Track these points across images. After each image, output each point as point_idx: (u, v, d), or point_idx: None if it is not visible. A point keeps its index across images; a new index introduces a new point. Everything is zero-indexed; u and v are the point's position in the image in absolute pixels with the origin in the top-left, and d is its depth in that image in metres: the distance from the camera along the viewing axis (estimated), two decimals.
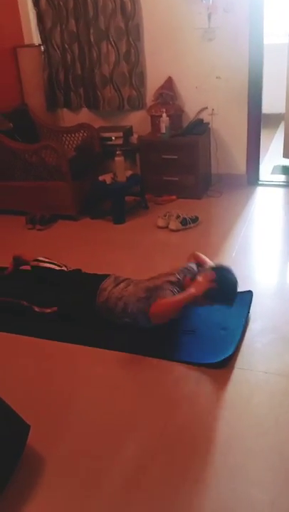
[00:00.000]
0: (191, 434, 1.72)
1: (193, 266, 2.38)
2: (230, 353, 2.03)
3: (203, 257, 2.46)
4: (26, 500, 1.51)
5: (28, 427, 1.65)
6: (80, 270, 2.61)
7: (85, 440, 1.73)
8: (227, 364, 2.01)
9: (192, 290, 2.08)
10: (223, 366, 2.01)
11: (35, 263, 2.62)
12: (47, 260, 2.63)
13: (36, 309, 2.39)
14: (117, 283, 2.31)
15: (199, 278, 2.13)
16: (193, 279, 2.19)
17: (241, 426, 1.74)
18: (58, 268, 2.58)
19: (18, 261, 2.75)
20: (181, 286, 2.17)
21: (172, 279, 2.19)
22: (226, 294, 2.15)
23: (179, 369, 2.03)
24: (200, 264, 2.41)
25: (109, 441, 1.72)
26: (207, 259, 2.44)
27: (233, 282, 2.18)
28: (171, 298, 2.06)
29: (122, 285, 2.29)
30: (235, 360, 2.04)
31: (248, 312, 2.33)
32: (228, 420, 1.78)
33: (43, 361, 2.17)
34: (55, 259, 2.70)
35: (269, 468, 1.58)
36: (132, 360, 2.11)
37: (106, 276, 2.39)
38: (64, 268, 2.59)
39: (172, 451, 1.66)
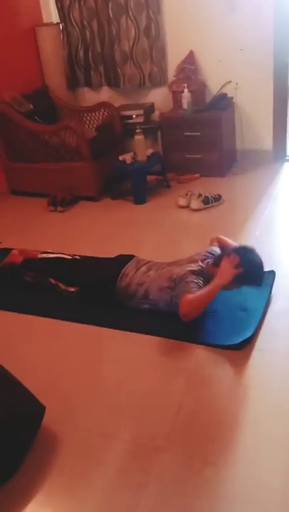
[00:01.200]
0: (208, 417, 1.70)
1: (216, 249, 2.30)
2: (248, 335, 1.98)
3: (226, 239, 2.36)
4: (41, 478, 1.54)
5: (44, 408, 1.67)
6: (92, 257, 2.57)
7: (99, 421, 1.74)
8: (246, 346, 1.97)
9: (218, 280, 1.98)
10: (242, 348, 1.96)
11: (44, 255, 2.59)
12: (54, 252, 2.60)
13: (62, 287, 2.40)
14: (138, 267, 2.28)
15: (223, 265, 2.01)
16: (216, 263, 2.09)
17: (259, 409, 1.71)
18: (69, 257, 2.54)
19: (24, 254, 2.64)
20: (205, 274, 2.09)
21: (194, 267, 2.11)
22: (253, 276, 2.07)
23: (198, 351, 2.00)
24: (224, 247, 2.32)
25: (124, 421, 1.72)
26: (230, 242, 2.34)
27: (259, 263, 2.10)
28: (199, 294, 1.96)
29: (143, 269, 2.26)
30: (255, 341, 2.00)
31: (270, 293, 2.27)
32: (246, 403, 1.75)
33: (61, 343, 2.18)
34: (75, 241, 2.68)
35: (284, 451, 1.54)
36: (151, 341, 2.09)
37: (128, 258, 2.36)
38: (77, 257, 2.56)
39: (187, 433, 1.64)
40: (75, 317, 2.29)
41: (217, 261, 2.09)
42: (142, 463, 1.55)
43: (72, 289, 2.39)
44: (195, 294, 1.96)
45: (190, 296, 1.95)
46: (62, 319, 2.30)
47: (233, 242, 2.34)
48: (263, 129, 3.95)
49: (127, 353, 2.05)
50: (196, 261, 2.18)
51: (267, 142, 3.99)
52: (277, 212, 3.23)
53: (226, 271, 1.99)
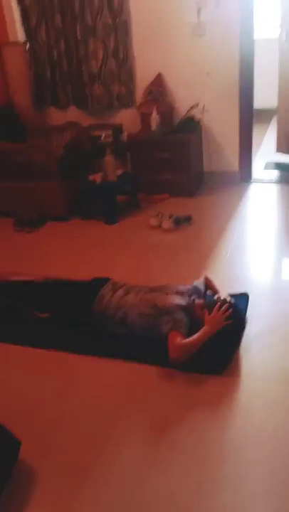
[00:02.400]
0: (189, 445, 1.66)
1: (201, 287, 2.30)
2: (228, 359, 1.96)
3: (213, 283, 2.38)
4: None
5: (19, 443, 1.58)
6: (64, 280, 2.50)
7: (77, 452, 1.66)
8: (225, 371, 1.95)
9: (210, 330, 1.99)
10: (221, 373, 1.94)
11: (15, 277, 2.49)
12: (26, 274, 2.52)
13: (33, 312, 2.31)
14: (115, 290, 2.23)
15: (217, 315, 2.02)
16: (207, 307, 2.07)
17: (241, 435, 1.68)
18: (41, 280, 2.46)
19: None
20: (191, 311, 2.09)
21: (183, 303, 2.09)
22: (237, 330, 2.13)
23: (178, 376, 1.96)
24: (209, 288, 2.33)
25: (103, 452, 1.65)
26: (216, 286, 2.37)
27: (245, 319, 2.19)
28: (190, 341, 1.95)
29: (120, 292, 2.21)
30: (233, 365, 1.98)
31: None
32: (227, 429, 1.72)
33: (33, 371, 2.09)
34: (43, 263, 2.60)
35: (271, 479, 1.51)
36: (129, 368, 2.03)
37: (103, 281, 2.31)
38: (48, 280, 2.47)
39: (169, 463, 1.59)
40: (48, 343, 2.20)
41: (208, 305, 2.08)
42: (123, 493, 1.49)
43: (44, 316, 2.30)
44: (187, 341, 1.95)
45: (181, 342, 1.94)
46: (35, 346, 2.21)
47: (216, 287, 2.36)
48: (229, 151, 4.03)
49: (103, 381, 1.99)
50: (181, 293, 2.16)
51: (233, 164, 4.07)
52: (246, 233, 3.28)
53: (219, 321, 2.01)
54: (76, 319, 2.25)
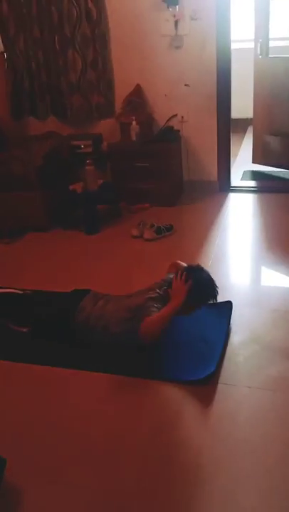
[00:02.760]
0: (176, 459, 1.65)
1: (172, 276, 2.31)
2: (212, 369, 1.97)
3: (182, 263, 2.38)
4: None
5: (4, 461, 1.54)
6: (44, 292, 2.48)
7: (63, 470, 1.63)
8: (210, 380, 1.95)
9: (174, 300, 2.01)
10: (206, 382, 1.94)
11: None
12: (3, 286, 2.48)
13: (12, 327, 2.27)
14: (95, 301, 2.22)
15: (174, 284, 2.06)
16: (170, 286, 2.11)
17: (228, 446, 1.68)
18: (20, 292, 2.43)
19: None
20: (165, 300, 2.08)
21: (152, 295, 2.11)
22: (206, 290, 2.11)
23: (162, 388, 1.95)
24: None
25: (89, 469, 1.62)
26: (185, 264, 2.36)
27: (208, 276, 2.16)
28: (157, 314, 1.97)
29: (100, 303, 2.20)
30: (218, 375, 1.99)
31: (229, 324, 2.29)
32: (214, 441, 1.71)
33: (15, 386, 2.05)
34: (23, 274, 2.54)
35: (259, 490, 1.52)
36: (111, 380, 2.01)
37: (84, 292, 2.29)
38: (27, 292, 2.45)
39: (157, 478, 1.58)
40: (29, 358, 2.17)
41: (171, 284, 2.10)
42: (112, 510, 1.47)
43: (24, 330, 2.27)
44: (153, 316, 1.96)
45: (148, 319, 1.95)
46: (15, 361, 2.16)
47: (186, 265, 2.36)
48: (208, 160, 4.09)
49: (86, 395, 1.96)
50: (153, 289, 2.17)
51: (212, 173, 4.12)
52: (227, 241, 3.32)
53: (178, 289, 2.02)
54: (57, 332, 2.22)
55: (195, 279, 2.07)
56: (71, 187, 3.56)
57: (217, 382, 1.95)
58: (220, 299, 2.40)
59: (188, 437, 1.73)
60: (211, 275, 2.19)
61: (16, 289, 2.45)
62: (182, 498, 1.51)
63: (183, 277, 2.05)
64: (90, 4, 3.75)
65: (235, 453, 1.65)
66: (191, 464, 1.62)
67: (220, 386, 1.94)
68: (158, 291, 2.15)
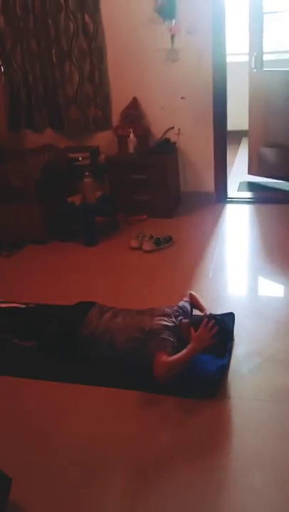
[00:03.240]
0: (185, 473, 1.64)
1: (187, 306, 2.31)
2: (218, 382, 1.97)
3: (199, 298, 2.39)
4: None
5: (10, 480, 1.52)
6: (47, 305, 2.46)
7: (71, 487, 1.61)
8: (216, 393, 1.96)
9: (196, 346, 1.96)
10: (211, 396, 1.94)
11: None
12: (5, 301, 2.46)
13: (16, 342, 2.26)
14: (102, 314, 2.21)
15: (203, 332, 1.99)
16: (193, 325, 2.05)
17: (237, 461, 1.68)
18: (23, 306, 2.41)
19: None
20: (178, 332, 2.07)
21: (169, 323, 2.08)
22: (222, 348, 2.11)
23: (169, 402, 1.95)
24: (194, 305, 2.35)
25: (99, 486, 1.61)
26: (201, 302, 2.37)
27: (231, 334, 2.18)
28: (175, 358, 1.93)
29: (107, 315, 2.19)
30: (224, 388, 1.99)
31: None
32: (222, 455, 1.71)
33: (19, 401, 2.03)
34: (23, 287, 2.51)
35: (269, 504, 1.52)
36: (120, 395, 2.00)
37: (90, 305, 2.29)
38: (31, 305, 2.43)
39: (165, 493, 1.57)
40: (34, 373, 2.15)
41: (195, 323, 2.06)
42: None
43: (28, 344, 2.25)
44: (171, 358, 1.92)
45: (166, 360, 1.91)
46: (20, 376, 2.15)
47: (202, 302, 2.36)
48: (205, 172, 4.12)
49: (94, 409, 1.95)
50: (168, 315, 2.15)
51: (209, 185, 4.15)
52: (226, 253, 3.34)
53: (205, 338, 1.97)
54: (62, 346, 2.21)
55: (220, 333, 2.03)
56: (69, 199, 3.56)
57: (223, 396, 1.95)
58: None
59: (196, 451, 1.72)
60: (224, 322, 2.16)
61: (18, 302, 2.43)
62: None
63: (213, 330, 1.99)
64: (86, 18, 3.79)
65: (245, 466, 1.64)
66: (199, 478, 1.61)
67: (226, 399, 1.94)
68: (174, 320, 2.13)
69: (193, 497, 1.55)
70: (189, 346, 1.97)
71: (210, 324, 2.00)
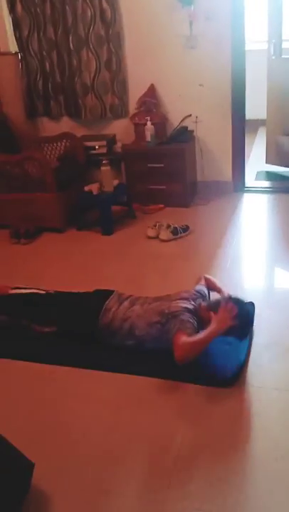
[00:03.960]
0: (208, 460, 1.65)
1: (204, 289, 2.30)
2: (237, 371, 1.96)
3: (214, 280, 2.38)
4: None
5: (32, 465, 1.54)
6: (68, 292, 2.47)
7: (91, 472, 1.63)
8: (235, 382, 1.95)
9: (217, 328, 1.94)
10: (231, 384, 1.94)
11: (16, 291, 2.45)
12: (27, 287, 2.48)
13: (36, 328, 2.27)
14: (120, 302, 2.22)
15: (222, 313, 1.98)
16: (212, 308, 2.05)
17: (259, 450, 1.68)
18: (43, 292, 2.42)
19: None
20: (198, 315, 2.07)
21: (189, 306, 2.08)
22: (243, 331, 2.09)
23: (189, 389, 1.95)
24: (211, 288, 2.33)
25: (117, 472, 1.62)
26: (218, 284, 2.36)
27: (251, 319, 2.15)
28: (196, 339, 1.92)
29: (126, 303, 2.20)
30: (244, 377, 1.98)
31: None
32: (244, 444, 1.71)
33: (41, 388, 2.05)
34: (41, 275, 2.51)
35: None
36: (139, 382, 2.01)
37: (108, 293, 2.29)
38: (50, 292, 2.44)
39: (189, 480, 1.57)
40: (55, 359, 2.17)
41: (213, 306, 2.05)
42: None
43: (48, 329, 2.27)
44: (192, 338, 1.91)
45: (186, 340, 1.90)
46: (40, 362, 2.17)
47: (219, 286, 2.35)
48: (222, 161, 4.07)
49: (114, 396, 1.96)
50: (187, 299, 2.14)
51: (226, 173, 4.11)
52: (244, 242, 3.31)
53: (225, 320, 1.96)
54: (81, 333, 2.22)
55: (241, 316, 2.02)
56: (86, 188, 3.56)
57: (243, 384, 1.95)
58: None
59: (216, 440, 1.72)
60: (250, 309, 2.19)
61: (38, 288, 2.45)
62: (213, 504, 1.50)
63: (232, 310, 1.98)
64: (104, 4, 3.75)
65: (268, 456, 1.64)
66: (220, 468, 1.62)
67: (246, 388, 1.93)
68: (193, 303, 2.12)
69: (215, 488, 1.55)
70: (210, 328, 1.95)
71: (229, 306, 1.99)
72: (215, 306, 2.04)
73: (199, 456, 1.67)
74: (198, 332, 1.99)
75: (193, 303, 2.12)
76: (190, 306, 2.08)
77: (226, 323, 1.96)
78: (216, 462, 1.64)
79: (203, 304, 2.14)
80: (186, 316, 2.00)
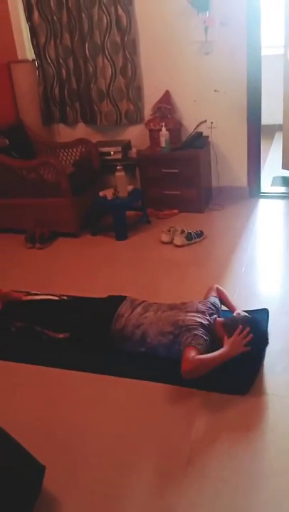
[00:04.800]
0: (220, 468, 1.62)
1: (218, 302, 2.28)
2: (252, 378, 1.94)
3: (226, 293, 2.36)
4: None
5: (43, 468, 1.54)
6: (80, 298, 2.47)
7: (103, 478, 1.62)
8: (249, 390, 1.92)
9: (229, 352, 1.93)
10: (244, 392, 1.91)
11: (29, 297, 2.47)
12: (40, 293, 2.49)
13: (49, 334, 2.28)
14: (133, 308, 2.21)
15: (237, 339, 1.96)
16: (226, 328, 2.03)
17: (273, 458, 1.65)
18: (56, 298, 2.43)
19: (5, 299, 2.50)
20: (211, 330, 2.05)
21: (204, 321, 2.05)
22: (255, 356, 2.06)
23: (202, 396, 1.93)
24: (223, 302, 2.32)
25: (128, 476, 1.61)
26: (229, 299, 2.35)
27: (266, 342, 2.10)
28: (206, 358, 1.90)
29: (139, 310, 2.19)
30: (258, 385, 1.95)
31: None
32: (258, 453, 1.68)
33: (53, 392, 2.05)
34: (55, 279, 2.52)
35: None
36: (151, 388, 2.00)
37: (121, 299, 2.29)
38: (64, 297, 2.45)
39: (199, 490, 1.55)
40: (67, 363, 2.17)
41: (230, 327, 2.02)
42: None
43: (61, 336, 2.27)
44: (202, 356, 1.90)
45: (196, 356, 1.88)
46: (53, 366, 2.17)
47: (230, 299, 2.34)
48: (238, 166, 4.05)
49: (126, 402, 1.95)
50: (203, 313, 2.12)
51: (242, 179, 4.09)
52: (259, 248, 3.27)
53: (238, 346, 1.95)
54: (94, 338, 2.22)
55: (255, 344, 1.99)
56: (101, 193, 3.58)
57: (257, 392, 1.92)
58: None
59: (229, 448, 1.70)
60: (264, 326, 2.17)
61: (52, 294, 2.46)
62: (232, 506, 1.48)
63: (247, 337, 1.96)
64: (120, 11, 3.78)
65: (282, 465, 1.61)
66: (233, 476, 1.59)
67: (259, 396, 1.90)
68: (208, 318, 2.10)
69: (227, 496, 1.53)
70: (222, 350, 1.94)
71: (244, 332, 1.97)
72: (231, 328, 2.01)
73: (210, 463, 1.64)
74: (210, 347, 1.97)
75: (208, 318, 2.10)
76: (205, 322, 2.06)
77: (239, 349, 1.95)
78: (228, 470, 1.61)
79: (219, 319, 2.12)
80: (200, 332, 1.99)
